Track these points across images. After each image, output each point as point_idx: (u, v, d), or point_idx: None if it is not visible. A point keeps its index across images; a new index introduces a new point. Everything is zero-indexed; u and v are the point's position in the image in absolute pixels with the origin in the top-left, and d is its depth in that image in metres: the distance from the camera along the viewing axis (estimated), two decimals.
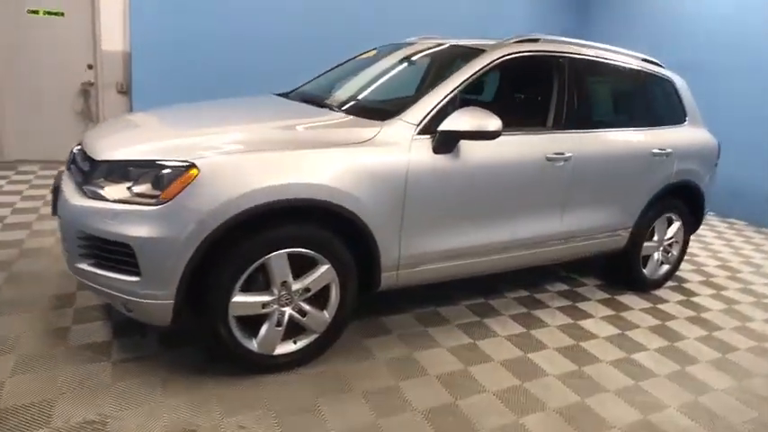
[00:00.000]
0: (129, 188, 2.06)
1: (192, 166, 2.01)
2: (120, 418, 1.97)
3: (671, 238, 3.75)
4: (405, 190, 2.40)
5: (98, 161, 2.16)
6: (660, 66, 3.76)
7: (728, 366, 2.86)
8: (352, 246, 2.38)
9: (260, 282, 2.22)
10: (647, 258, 3.68)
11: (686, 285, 3.99)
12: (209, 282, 2.10)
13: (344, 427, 2.05)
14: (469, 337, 2.81)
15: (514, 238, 2.87)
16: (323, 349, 2.46)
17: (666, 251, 3.77)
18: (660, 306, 3.55)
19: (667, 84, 3.68)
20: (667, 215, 3.65)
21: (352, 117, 2.56)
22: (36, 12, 5.32)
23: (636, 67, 3.46)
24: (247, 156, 2.11)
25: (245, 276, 2.15)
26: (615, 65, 3.37)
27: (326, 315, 2.39)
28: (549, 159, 2.86)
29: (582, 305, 3.43)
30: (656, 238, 3.66)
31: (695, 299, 3.75)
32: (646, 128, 3.43)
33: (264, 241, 2.15)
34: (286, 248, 2.19)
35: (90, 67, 5.66)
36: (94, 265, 2.12)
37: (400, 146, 2.40)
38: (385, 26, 6.40)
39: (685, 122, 3.74)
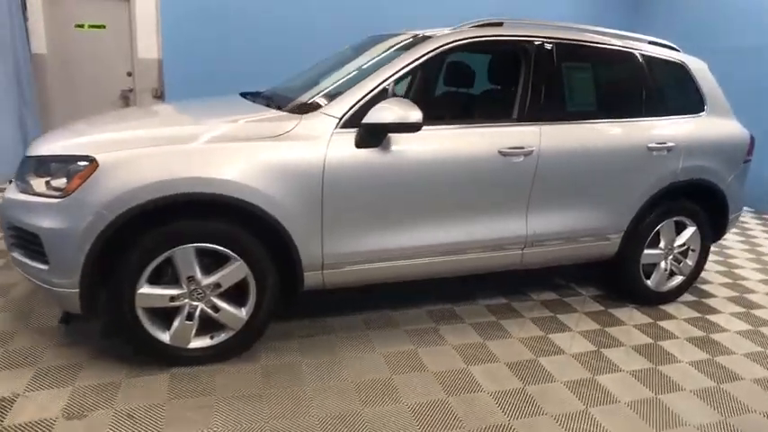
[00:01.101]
0: (47, 182, 2.16)
1: (93, 160, 2.06)
2: (29, 397, 2.07)
3: (683, 246, 3.26)
4: (321, 186, 2.29)
5: (27, 157, 2.29)
6: (672, 48, 3.30)
7: (718, 398, 2.41)
8: (271, 243, 2.32)
9: (170, 275, 2.23)
10: (652, 268, 3.24)
11: (708, 300, 3.46)
12: (115, 273, 2.14)
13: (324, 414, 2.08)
14: (412, 344, 2.63)
15: (463, 240, 2.63)
16: (244, 347, 2.42)
17: (677, 260, 3.28)
18: (662, 323, 3.10)
19: (678, 69, 3.21)
20: (675, 219, 3.18)
21: (278, 112, 2.49)
22: (81, 26, 5.84)
23: (632, 51, 3.05)
24: (149, 150, 2.12)
25: (150, 269, 2.16)
26: (602, 49, 2.99)
27: (243, 313, 2.35)
28: (503, 154, 2.59)
29: (564, 317, 3.08)
30: (661, 244, 3.21)
31: (712, 317, 3.23)
32: (641, 118, 3.01)
33: (167, 235, 2.14)
34: (192, 243, 2.18)
35: (129, 74, 6.10)
36: (23, 254, 2.25)
37: (317, 140, 2.29)
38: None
39: (703, 112, 3.25)
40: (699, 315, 3.24)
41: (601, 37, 3.00)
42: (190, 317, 2.27)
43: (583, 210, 2.87)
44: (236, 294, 2.34)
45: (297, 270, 2.37)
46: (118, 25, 5.96)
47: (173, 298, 2.23)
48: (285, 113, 2.43)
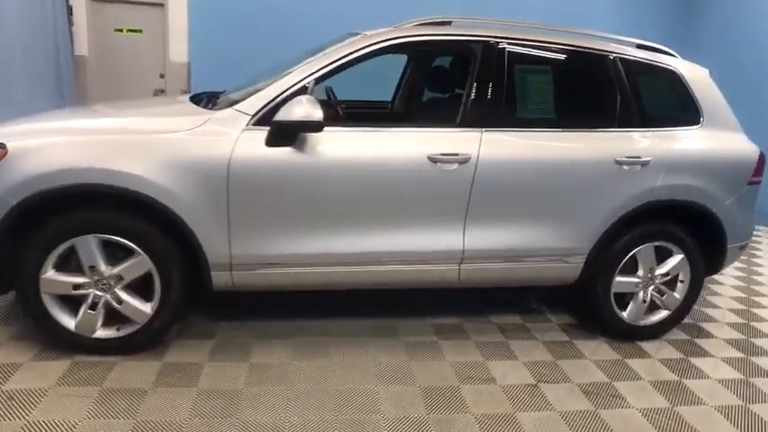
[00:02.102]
0: None
1: (2, 147, 2.15)
2: None
3: (667, 275, 2.86)
4: (227, 185, 2.24)
5: None
6: (666, 53, 2.92)
7: None
8: (177, 240, 2.30)
9: (75, 263, 2.27)
10: (629, 298, 2.87)
11: (702, 341, 2.99)
12: (19, 257, 2.21)
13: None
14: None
15: (387, 251, 2.46)
16: (150, 342, 2.41)
17: (660, 291, 2.89)
18: (631, 361, 2.72)
19: (669, 76, 2.83)
20: (657, 244, 2.80)
21: (196, 109, 2.46)
22: (120, 30, 6.27)
23: (605, 55, 2.72)
24: (55, 140, 2.17)
25: (55, 255, 2.20)
26: (565, 51, 2.70)
27: (148, 307, 2.33)
28: (433, 160, 2.41)
29: (516, 343, 2.80)
30: (639, 272, 2.83)
31: (697, 360, 2.79)
32: (611, 129, 2.68)
33: (69, 224, 2.18)
34: (93, 233, 2.21)
35: (162, 76, 6.45)
36: None
37: (225, 137, 2.24)
38: None
39: (699, 125, 2.85)
40: (681, 356, 2.82)
41: (567, 38, 2.71)
42: (94, 306, 2.29)
43: (532, 227, 2.59)
44: (143, 289, 2.34)
45: (204, 269, 2.34)
46: (153, 30, 6.33)
47: (76, 286, 2.26)
48: (202, 110, 2.41)
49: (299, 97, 2.20)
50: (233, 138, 2.25)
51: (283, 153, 2.27)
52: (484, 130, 2.49)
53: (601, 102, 2.72)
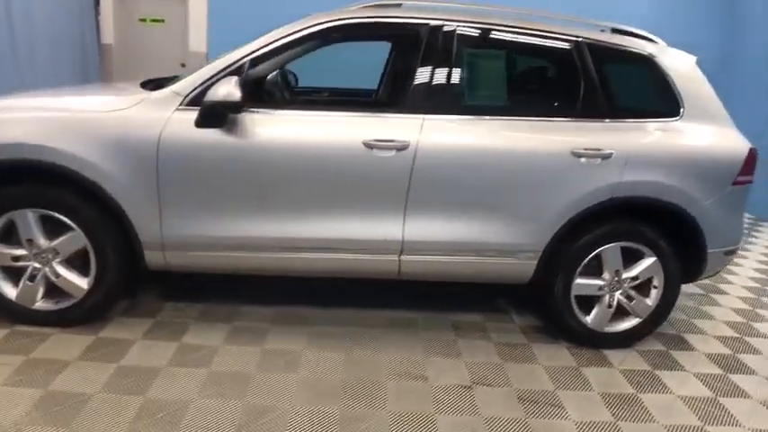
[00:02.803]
0: None
1: None
2: None
3: (636, 279, 2.63)
4: (156, 164, 2.25)
5: None
6: (646, 39, 2.68)
7: None
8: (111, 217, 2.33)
9: (16, 237, 2.36)
10: (594, 301, 2.66)
11: (679, 353, 2.72)
12: None
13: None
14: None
15: (320, 237, 2.40)
16: (87, 316, 2.46)
17: (629, 296, 2.66)
18: (586, 370, 2.52)
19: (645, 63, 2.58)
20: (624, 245, 2.57)
21: (135, 90, 2.48)
22: (144, 20, 6.52)
23: (567, 40, 2.52)
24: None
25: None
26: (521, 35, 2.52)
27: (84, 282, 2.39)
28: (368, 146, 2.31)
29: (465, 342, 2.66)
30: (605, 275, 2.62)
31: (665, 373, 2.54)
32: (569, 119, 2.48)
33: (5, 197, 2.26)
34: (29, 208, 2.28)
35: (183, 65, 6.65)
36: None
37: (156, 117, 2.25)
38: None
39: (678, 117, 2.59)
40: (648, 368, 2.58)
41: (528, 22, 2.52)
42: (33, 278, 2.38)
43: (478, 220, 2.45)
44: (81, 264, 2.40)
45: (137, 247, 2.37)
46: (175, 20, 6.53)
47: (15, 258, 2.35)
48: (140, 91, 2.43)
49: (225, 78, 2.18)
50: (164, 118, 2.26)
51: (212, 134, 2.26)
52: (427, 116, 2.37)
53: (561, 89, 2.53)
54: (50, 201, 2.28)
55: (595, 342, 2.71)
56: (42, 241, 2.32)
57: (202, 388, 2.13)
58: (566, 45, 2.52)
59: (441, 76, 2.40)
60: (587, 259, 2.56)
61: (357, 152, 2.31)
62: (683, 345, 2.85)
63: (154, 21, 6.54)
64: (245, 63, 2.31)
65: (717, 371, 2.62)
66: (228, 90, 2.10)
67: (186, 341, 2.45)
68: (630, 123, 2.53)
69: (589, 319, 2.66)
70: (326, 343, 2.53)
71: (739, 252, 4.39)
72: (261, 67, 2.34)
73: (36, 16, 5.38)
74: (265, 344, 2.49)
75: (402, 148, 2.33)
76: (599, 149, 2.43)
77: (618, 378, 2.48)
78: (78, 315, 2.45)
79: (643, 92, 2.64)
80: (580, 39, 2.53)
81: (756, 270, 4.12)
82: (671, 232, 2.60)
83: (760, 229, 5.44)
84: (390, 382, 2.29)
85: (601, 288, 2.62)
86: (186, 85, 2.30)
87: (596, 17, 2.78)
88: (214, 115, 2.24)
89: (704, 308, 3.34)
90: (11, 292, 2.40)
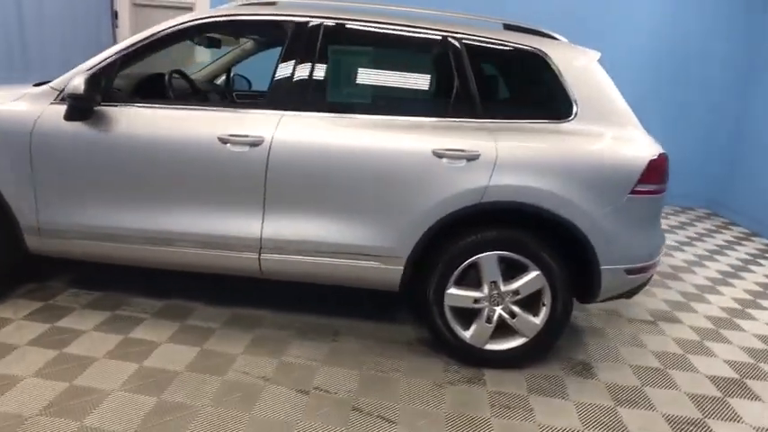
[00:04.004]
0: None
1: None
2: None
3: (517, 293, 2.41)
4: (30, 155, 2.39)
5: None
6: (542, 35, 2.49)
7: None
8: None
9: None
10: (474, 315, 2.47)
11: (573, 378, 2.46)
12: None
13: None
14: None
15: (180, 232, 2.42)
16: None
17: (512, 313, 2.44)
18: (452, 388, 2.33)
19: (534, 61, 2.40)
20: (502, 254, 2.37)
21: (22, 86, 2.62)
22: None
23: (440, 37, 2.40)
24: None
25: None
26: (390, 33, 2.43)
27: None
28: (223, 141, 2.32)
29: (299, 343, 2.56)
30: (485, 289, 2.43)
31: (538, 399, 2.30)
32: (438, 118, 2.34)
33: None
34: None
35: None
36: None
37: (31, 110, 2.40)
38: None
39: (571, 117, 2.38)
40: (522, 393, 2.35)
41: (402, 19, 2.42)
42: None
43: (338, 221, 2.37)
44: None
45: (17, 230, 2.52)
46: None
47: None
48: (26, 88, 2.59)
49: (78, 74, 2.29)
50: (39, 111, 2.41)
51: (78, 127, 2.37)
52: (286, 112, 2.35)
53: (430, 87, 2.41)
54: None
55: (476, 360, 2.51)
56: None
57: (54, 369, 2.21)
58: (437, 42, 2.40)
59: (302, 72, 2.37)
60: (461, 268, 2.40)
61: (212, 147, 2.33)
62: (585, 372, 2.57)
63: None
64: (114, 60, 2.42)
65: (608, 402, 2.34)
66: (75, 84, 2.21)
67: (60, 325, 2.56)
68: (508, 124, 2.36)
69: (468, 334, 2.48)
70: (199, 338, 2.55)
71: (737, 273, 3.99)
72: (125, 64, 2.44)
73: (55, 28, 5.91)
74: (131, 333, 2.54)
75: (256, 143, 2.32)
76: (463, 150, 2.28)
77: (481, 399, 2.28)
78: None
79: (531, 91, 2.46)
80: (455, 35, 2.40)
81: (736, 300, 3.65)
82: (565, 245, 2.38)
83: None
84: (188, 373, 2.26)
85: (477, 301, 2.43)
86: (61, 81, 2.44)
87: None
88: (78, 109, 2.35)
89: (642, 336, 3.00)
90: None
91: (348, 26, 2.43)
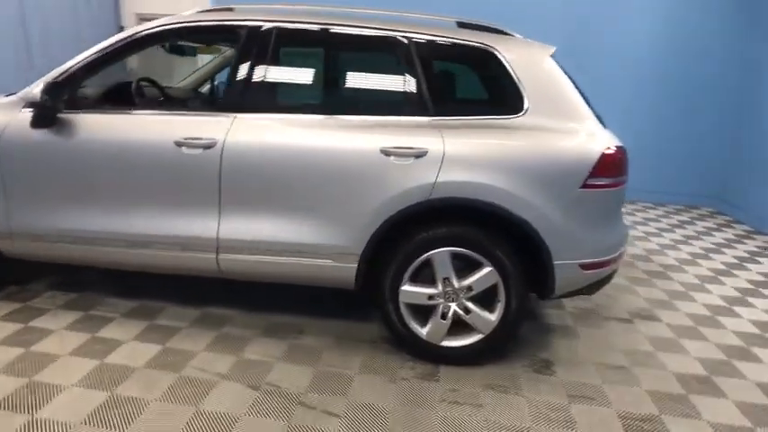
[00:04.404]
0: None
1: None
2: None
3: (470, 290, 2.40)
4: None
5: None
6: (496, 31, 2.50)
7: None
8: None
9: None
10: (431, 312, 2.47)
11: (531, 375, 2.43)
12: None
13: None
14: None
15: (142, 233, 2.49)
16: None
17: (466, 309, 2.43)
18: (392, 385, 2.34)
19: (485, 57, 2.40)
20: (454, 251, 2.37)
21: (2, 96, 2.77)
22: (164, 46, 7.21)
23: (394, 37, 2.42)
24: None
25: None
26: (344, 35, 2.47)
27: None
28: (178, 144, 2.39)
29: (259, 341, 2.60)
30: (439, 285, 2.43)
31: (488, 394, 2.28)
32: (391, 116, 2.36)
33: None
34: None
35: None
36: None
37: (3, 118, 2.53)
38: None
39: (521, 113, 2.37)
40: (476, 390, 2.34)
41: (352, 21, 2.46)
42: None
43: (291, 220, 2.40)
44: None
45: None
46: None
47: None
48: (2, 98, 2.72)
49: (37, 83, 2.41)
50: (5, 120, 2.53)
51: (43, 134, 2.48)
52: (238, 114, 2.41)
53: (380, 87, 2.44)
54: None
55: (433, 356, 2.51)
56: None
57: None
58: (387, 42, 2.43)
59: (254, 74, 2.43)
60: (415, 265, 2.41)
61: (167, 150, 2.41)
62: (546, 370, 2.54)
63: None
64: (76, 69, 2.52)
65: (561, 400, 2.30)
66: (34, 93, 2.33)
67: (33, 325, 2.67)
68: (458, 121, 2.36)
69: (425, 330, 2.49)
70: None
71: (728, 270, 3.87)
72: (82, 73, 2.54)
73: (59, 41, 6.15)
74: (98, 332, 2.64)
75: (209, 146, 2.38)
76: (410, 147, 2.30)
77: (432, 394, 2.28)
78: None
79: (481, 87, 2.46)
80: (404, 35, 2.43)
81: (724, 297, 3.54)
82: (518, 241, 2.37)
83: None
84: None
85: (431, 297, 2.44)
86: (30, 89, 2.56)
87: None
88: (42, 116, 2.46)
89: (615, 334, 2.94)
90: None
91: (299, 28, 2.48)
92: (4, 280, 3.02)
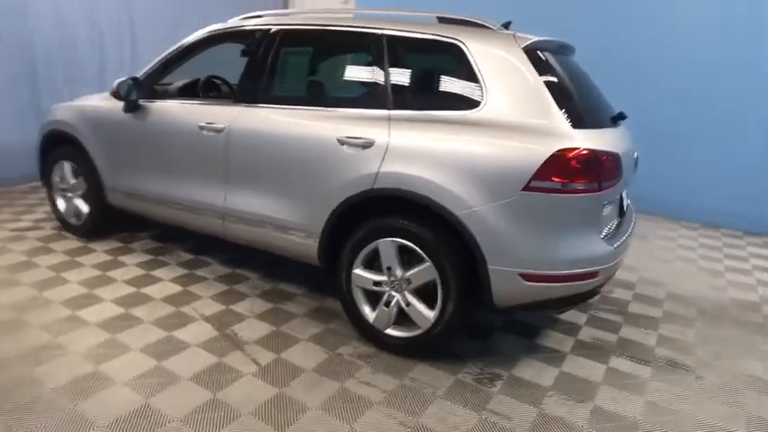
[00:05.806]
0: None
1: None
2: None
3: (409, 282, 2.42)
4: (107, 137, 3.46)
5: None
6: (475, 24, 2.46)
7: None
8: None
9: None
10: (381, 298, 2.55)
11: (469, 386, 2.33)
12: None
13: None
14: None
15: (186, 198, 3.14)
16: None
17: (407, 302, 2.44)
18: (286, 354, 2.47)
19: (452, 51, 2.39)
20: (397, 241, 2.41)
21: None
22: None
23: (370, 34, 2.57)
24: None
25: None
26: (323, 33, 2.75)
27: None
28: (201, 128, 2.96)
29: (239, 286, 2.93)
30: (384, 273, 2.49)
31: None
32: (353, 108, 2.54)
33: None
34: None
35: None
36: None
37: (110, 105, 3.45)
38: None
39: (478, 108, 2.29)
40: (399, 383, 2.34)
41: (338, 21, 2.69)
42: None
43: (269, 196, 2.79)
44: None
45: (101, 188, 3.61)
46: None
47: None
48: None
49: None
50: (110, 106, 3.44)
51: (129, 117, 3.33)
52: (242, 104, 2.90)
53: (351, 81, 2.62)
54: None
55: (377, 341, 2.60)
56: None
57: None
58: (361, 38, 2.62)
59: (258, 71, 2.87)
60: (366, 251, 2.53)
61: (193, 132, 3.01)
62: (487, 382, 2.39)
63: None
64: (153, 68, 3.31)
65: (465, 411, 2.17)
66: (114, 87, 3.15)
67: (120, 259, 3.58)
68: (414, 114, 2.41)
69: (372, 315, 2.59)
70: None
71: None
72: (158, 69, 3.31)
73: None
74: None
75: (219, 130, 2.91)
76: (359, 138, 2.44)
77: (352, 373, 2.37)
78: None
79: (445, 81, 2.42)
80: (378, 31, 2.57)
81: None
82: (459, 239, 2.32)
83: None
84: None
85: (377, 284, 2.53)
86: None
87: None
88: (126, 105, 3.30)
89: (588, 361, 2.55)
90: None
91: (295, 31, 2.86)
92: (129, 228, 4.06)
